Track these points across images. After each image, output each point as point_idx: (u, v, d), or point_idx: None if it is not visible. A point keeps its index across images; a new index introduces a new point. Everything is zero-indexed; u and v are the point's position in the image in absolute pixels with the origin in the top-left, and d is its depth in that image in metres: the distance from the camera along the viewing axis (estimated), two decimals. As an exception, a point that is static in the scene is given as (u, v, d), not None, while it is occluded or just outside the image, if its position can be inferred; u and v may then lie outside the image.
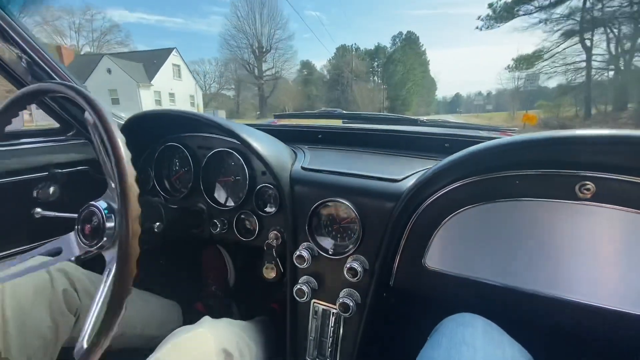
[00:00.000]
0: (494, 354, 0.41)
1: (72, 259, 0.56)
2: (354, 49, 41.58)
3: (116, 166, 0.47)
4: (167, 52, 24.39)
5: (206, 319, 0.62)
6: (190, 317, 0.98)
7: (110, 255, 0.53)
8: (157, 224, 0.64)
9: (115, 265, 0.46)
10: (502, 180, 0.54)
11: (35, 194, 0.77)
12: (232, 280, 1.15)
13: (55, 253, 0.57)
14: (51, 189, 0.82)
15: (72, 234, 0.58)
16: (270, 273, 0.72)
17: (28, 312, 0.62)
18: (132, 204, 0.45)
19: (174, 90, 24.63)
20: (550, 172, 0.51)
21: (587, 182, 0.48)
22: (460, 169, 0.55)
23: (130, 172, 0.47)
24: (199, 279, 1.18)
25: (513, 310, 0.55)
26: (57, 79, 0.83)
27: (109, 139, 0.46)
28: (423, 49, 44.53)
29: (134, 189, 0.43)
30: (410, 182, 0.62)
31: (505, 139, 0.48)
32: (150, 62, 23.27)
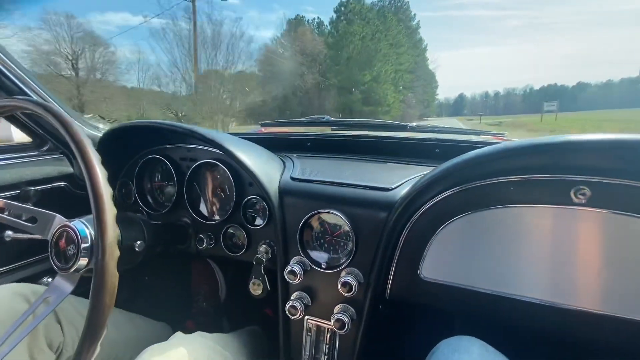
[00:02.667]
0: None
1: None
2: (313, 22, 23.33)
3: (91, 189, 0.43)
4: None
5: (177, 334, 0.59)
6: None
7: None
8: (139, 242, 0.60)
9: (90, 293, 0.42)
10: (497, 187, 0.53)
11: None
12: (223, 295, 1.11)
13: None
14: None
15: (58, 278, 0.52)
16: (256, 290, 0.69)
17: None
18: (108, 227, 0.42)
19: None
20: (545, 178, 0.50)
21: (583, 187, 0.47)
22: (457, 176, 0.54)
23: (106, 191, 0.43)
24: (189, 295, 1.13)
25: (510, 318, 0.53)
26: (29, 92, 0.79)
27: (82, 159, 0.42)
28: (415, 21, 27.83)
29: (109, 210, 0.40)
30: (403, 190, 0.60)
31: (504, 144, 0.47)
32: None
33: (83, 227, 0.51)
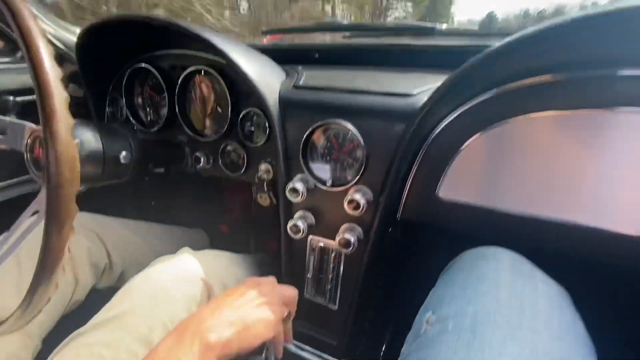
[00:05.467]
0: (522, 291, 0.34)
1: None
2: None
3: (36, 80, 0.34)
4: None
5: (186, 249, 0.57)
6: (216, 242, 0.99)
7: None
8: (124, 153, 0.54)
9: (44, 204, 0.36)
10: (535, 89, 0.43)
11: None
12: (253, 211, 1.12)
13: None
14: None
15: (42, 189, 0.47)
16: (264, 201, 0.65)
17: (24, 259, 0.56)
18: (56, 112, 0.33)
19: None
20: (585, 76, 0.40)
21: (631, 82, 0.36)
22: (491, 72, 0.43)
23: (59, 93, 0.34)
24: (222, 206, 1.15)
25: (541, 242, 0.47)
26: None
27: (15, 23, 0.33)
28: None
29: (57, 91, 0.32)
30: (425, 97, 0.50)
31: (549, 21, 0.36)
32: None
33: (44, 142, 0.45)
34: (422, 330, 0.35)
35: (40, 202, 0.47)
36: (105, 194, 0.97)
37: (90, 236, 0.64)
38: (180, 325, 0.36)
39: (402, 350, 0.36)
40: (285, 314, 0.45)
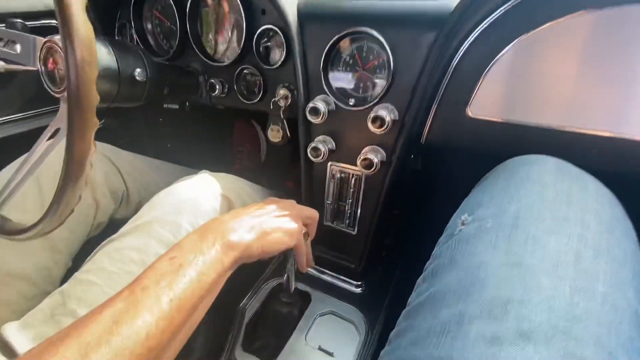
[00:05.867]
0: (570, 190, 0.32)
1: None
2: None
3: None
4: None
5: (205, 171, 0.58)
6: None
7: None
8: (138, 70, 0.52)
9: (66, 116, 0.35)
10: None
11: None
12: (263, 156, 1.11)
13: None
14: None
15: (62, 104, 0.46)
16: (275, 135, 0.63)
17: (46, 174, 0.57)
18: (75, 15, 0.31)
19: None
20: None
21: None
22: None
23: None
24: (231, 153, 1.15)
25: (575, 157, 0.45)
26: None
27: None
28: None
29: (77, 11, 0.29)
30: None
31: None
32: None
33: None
34: (456, 231, 0.34)
35: (60, 119, 0.47)
36: (121, 135, 0.98)
37: (105, 163, 0.65)
38: (202, 226, 0.37)
39: (433, 252, 0.36)
40: (304, 230, 0.46)
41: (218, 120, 1.10)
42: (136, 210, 0.71)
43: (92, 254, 0.46)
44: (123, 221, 0.70)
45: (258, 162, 1.11)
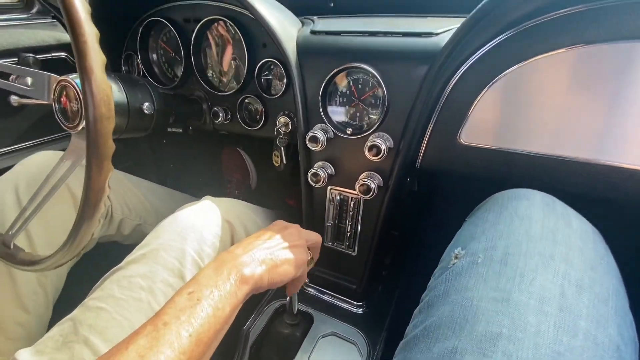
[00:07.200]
0: (555, 226, 0.34)
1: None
2: None
3: (67, 19, 0.34)
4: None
5: (207, 197, 0.60)
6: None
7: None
8: (146, 104, 0.55)
9: (85, 155, 0.37)
10: (566, 21, 0.41)
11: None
12: (254, 183, 1.13)
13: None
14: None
15: (73, 138, 0.49)
16: (275, 160, 0.66)
17: (52, 206, 0.59)
18: (95, 75, 0.34)
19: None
20: (622, 2, 0.37)
21: None
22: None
23: (90, 30, 0.35)
24: (222, 181, 1.17)
25: (564, 184, 0.47)
26: None
27: None
28: None
29: (89, 27, 0.33)
30: (448, 37, 0.48)
31: None
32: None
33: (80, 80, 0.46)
34: (450, 264, 0.36)
35: (72, 151, 0.50)
36: (124, 158, 1.00)
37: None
38: (218, 258, 0.38)
39: (428, 284, 0.38)
40: (309, 257, 0.48)
41: (219, 144, 1.13)
42: (119, 228, 0.72)
43: (100, 281, 0.48)
44: (108, 240, 0.71)
45: (249, 190, 1.12)
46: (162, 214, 0.60)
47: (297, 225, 0.50)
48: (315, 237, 0.50)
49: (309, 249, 0.48)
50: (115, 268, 0.49)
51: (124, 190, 0.72)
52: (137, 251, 0.49)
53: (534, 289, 0.28)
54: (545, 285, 0.29)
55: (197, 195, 0.99)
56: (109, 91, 0.34)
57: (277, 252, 0.41)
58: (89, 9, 0.36)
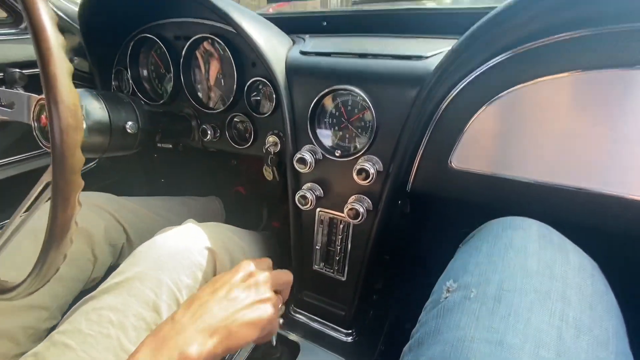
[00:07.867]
0: (552, 260, 0.32)
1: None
2: None
3: (30, 24, 0.32)
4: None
5: (191, 220, 0.56)
6: (231, 208, 1.01)
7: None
8: (130, 123, 0.53)
9: (50, 175, 0.34)
10: (557, 47, 0.40)
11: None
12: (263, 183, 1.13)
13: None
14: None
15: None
16: (268, 175, 0.64)
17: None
18: (60, 82, 0.32)
19: None
20: (623, 29, 0.37)
21: None
22: (510, 20, 0.40)
23: (55, 35, 0.33)
24: (232, 176, 1.16)
25: (557, 212, 0.46)
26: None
27: None
28: None
29: (59, 57, 0.31)
30: (438, 60, 0.48)
31: None
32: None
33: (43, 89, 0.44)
34: (441, 297, 0.34)
35: (50, 173, 0.48)
36: (114, 172, 0.98)
37: (105, 217, 0.65)
38: (158, 332, 0.33)
39: (419, 318, 0.35)
40: (280, 305, 0.42)
41: (212, 156, 1.11)
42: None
43: (70, 311, 0.45)
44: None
45: (257, 191, 1.12)
46: (176, 223, 0.57)
47: (268, 261, 0.45)
48: (285, 278, 0.44)
49: (278, 292, 0.42)
50: (87, 297, 0.46)
51: (137, 218, 0.70)
52: (111, 279, 0.46)
53: (530, 331, 0.27)
54: (542, 327, 0.27)
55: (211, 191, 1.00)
56: (76, 100, 0.31)
57: (236, 314, 0.35)
58: (55, 17, 0.35)
